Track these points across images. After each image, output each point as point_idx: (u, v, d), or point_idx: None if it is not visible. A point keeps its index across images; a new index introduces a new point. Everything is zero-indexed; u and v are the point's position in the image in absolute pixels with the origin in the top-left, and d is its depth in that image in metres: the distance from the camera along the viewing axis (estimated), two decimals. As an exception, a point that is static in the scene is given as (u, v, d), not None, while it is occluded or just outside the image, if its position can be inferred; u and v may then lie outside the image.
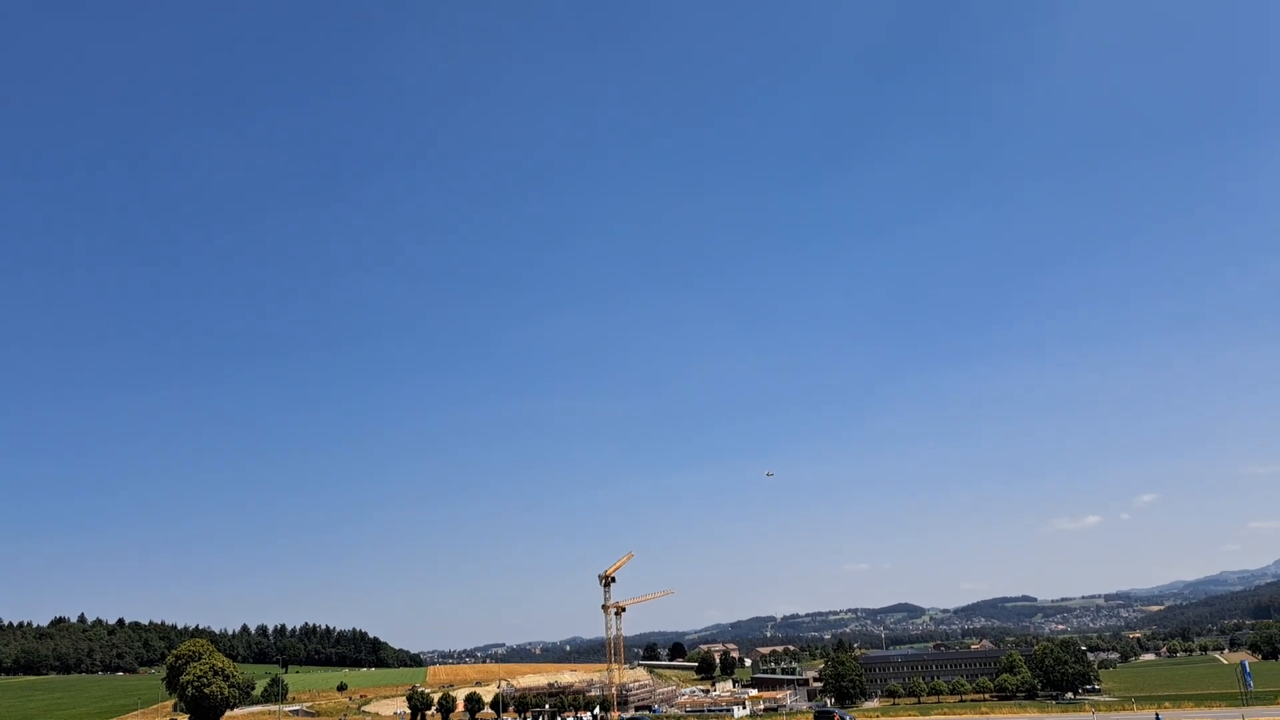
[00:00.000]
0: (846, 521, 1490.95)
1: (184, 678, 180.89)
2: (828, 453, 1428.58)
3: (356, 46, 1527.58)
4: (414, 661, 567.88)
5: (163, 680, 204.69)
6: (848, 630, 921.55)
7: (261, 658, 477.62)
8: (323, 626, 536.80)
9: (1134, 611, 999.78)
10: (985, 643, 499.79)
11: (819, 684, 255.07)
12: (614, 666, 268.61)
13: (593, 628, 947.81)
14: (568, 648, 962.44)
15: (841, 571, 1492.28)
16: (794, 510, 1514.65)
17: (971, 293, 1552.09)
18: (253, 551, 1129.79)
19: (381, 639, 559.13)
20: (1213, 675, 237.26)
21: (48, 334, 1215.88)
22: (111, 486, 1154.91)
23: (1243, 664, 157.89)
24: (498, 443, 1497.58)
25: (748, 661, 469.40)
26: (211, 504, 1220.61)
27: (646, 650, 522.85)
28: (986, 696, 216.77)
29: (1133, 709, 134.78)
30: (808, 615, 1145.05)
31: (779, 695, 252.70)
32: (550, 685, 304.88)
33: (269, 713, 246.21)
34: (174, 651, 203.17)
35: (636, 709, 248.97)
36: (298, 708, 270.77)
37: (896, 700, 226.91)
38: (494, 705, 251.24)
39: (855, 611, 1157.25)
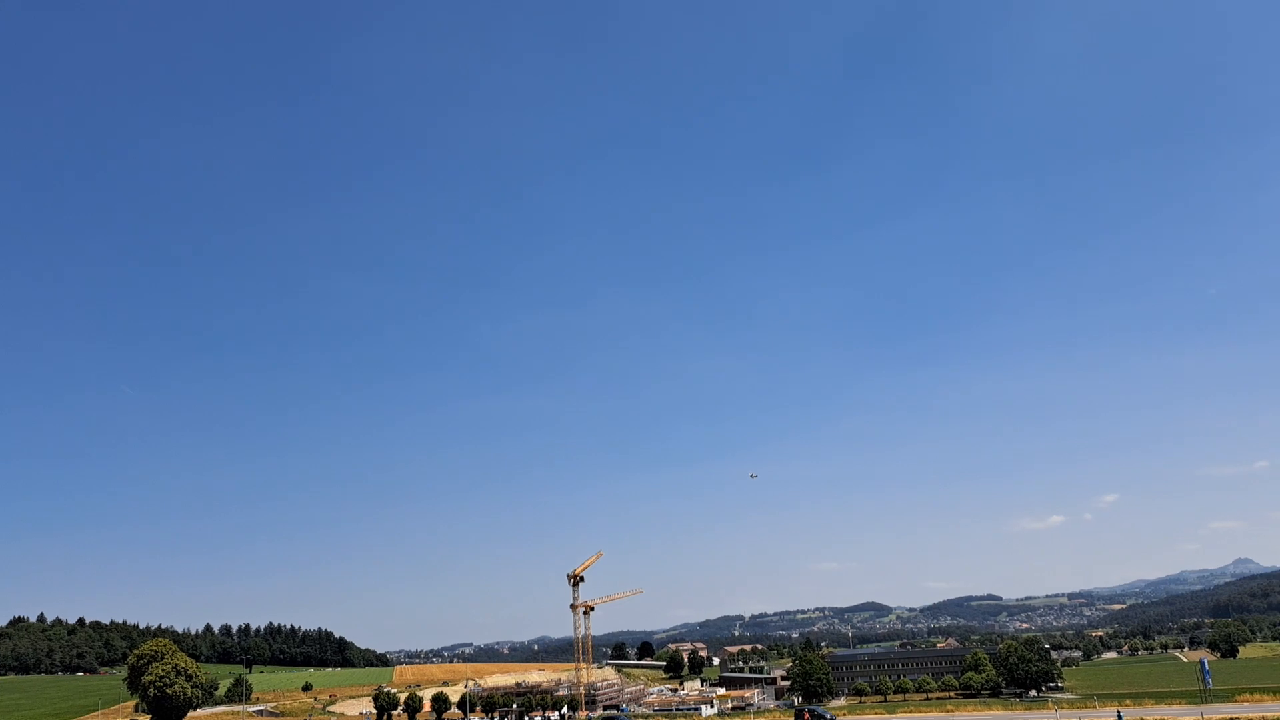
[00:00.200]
0: (815, 521, 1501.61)
1: (146, 678, 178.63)
2: (796, 452, 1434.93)
3: (332, 47, 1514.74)
4: (380, 661, 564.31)
5: (124, 680, 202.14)
6: (815, 629, 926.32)
7: (225, 658, 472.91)
8: (288, 626, 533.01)
9: (1096, 610, 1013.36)
10: (951, 641, 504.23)
11: (787, 683, 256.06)
12: (582, 666, 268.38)
13: (561, 627, 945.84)
14: (536, 647, 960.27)
15: (809, 571, 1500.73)
16: (763, 510, 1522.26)
17: (939, 294, 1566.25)
18: (217, 551, 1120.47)
19: (348, 639, 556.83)
20: (1173, 673, 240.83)
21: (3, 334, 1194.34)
22: (72, 485, 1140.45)
23: (1202, 662, 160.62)
24: (466, 442, 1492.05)
25: (716, 661, 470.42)
26: (175, 504, 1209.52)
27: (615, 649, 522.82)
28: (952, 694, 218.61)
29: (1095, 706, 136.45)
30: (776, 614, 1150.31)
31: (747, 694, 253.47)
32: (518, 685, 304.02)
33: (232, 713, 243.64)
34: (136, 651, 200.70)
35: (605, 708, 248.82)
36: (262, 708, 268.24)
37: (863, 699, 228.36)
38: (461, 705, 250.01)
39: (823, 610, 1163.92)
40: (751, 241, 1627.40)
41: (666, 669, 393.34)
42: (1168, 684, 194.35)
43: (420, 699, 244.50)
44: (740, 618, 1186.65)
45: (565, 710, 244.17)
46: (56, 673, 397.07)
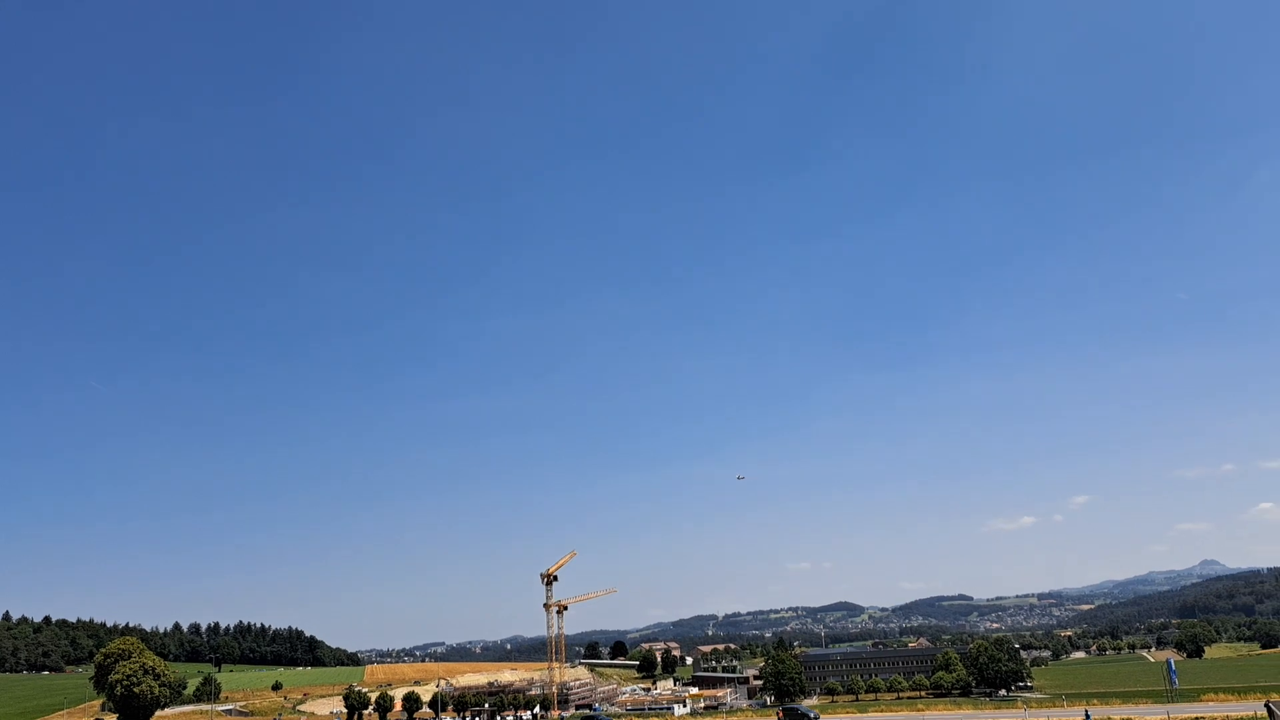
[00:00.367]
0: (788, 521, 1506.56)
1: (113, 676, 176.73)
2: (771, 453, 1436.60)
3: (309, 46, 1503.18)
4: (351, 661, 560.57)
5: (91, 679, 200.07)
6: (788, 629, 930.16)
7: (194, 656, 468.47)
8: (258, 625, 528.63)
9: (1065, 610, 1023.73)
10: (922, 641, 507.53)
11: (759, 682, 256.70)
12: (555, 665, 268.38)
13: (534, 626, 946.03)
14: (508, 646, 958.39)
15: (783, 570, 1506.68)
16: (737, 510, 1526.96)
17: (910, 295, 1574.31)
18: (186, 549, 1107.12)
19: (318, 638, 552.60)
20: (1140, 673, 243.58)
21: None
22: (38, 482, 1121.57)
23: (1168, 662, 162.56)
24: (440, 442, 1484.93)
25: (689, 660, 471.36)
26: (143, 501, 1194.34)
27: (588, 649, 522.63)
28: (923, 694, 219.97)
29: (1063, 706, 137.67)
30: (749, 614, 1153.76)
31: (719, 693, 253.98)
32: (490, 684, 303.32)
33: (201, 712, 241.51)
34: (103, 650, 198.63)
35: (577, 707, 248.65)
36: (230, 707, 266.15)
37: (835, 698, 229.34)
38: (433, 705, 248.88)
39: (796, 610, 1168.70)
40: (726, 242, 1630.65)
41: (640, 668, 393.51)
42: (1134, 684, 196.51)
43: (391, 698, 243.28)
44: (714, 617, 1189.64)
45: (537, 710, 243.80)
46: (22, 671, 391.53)
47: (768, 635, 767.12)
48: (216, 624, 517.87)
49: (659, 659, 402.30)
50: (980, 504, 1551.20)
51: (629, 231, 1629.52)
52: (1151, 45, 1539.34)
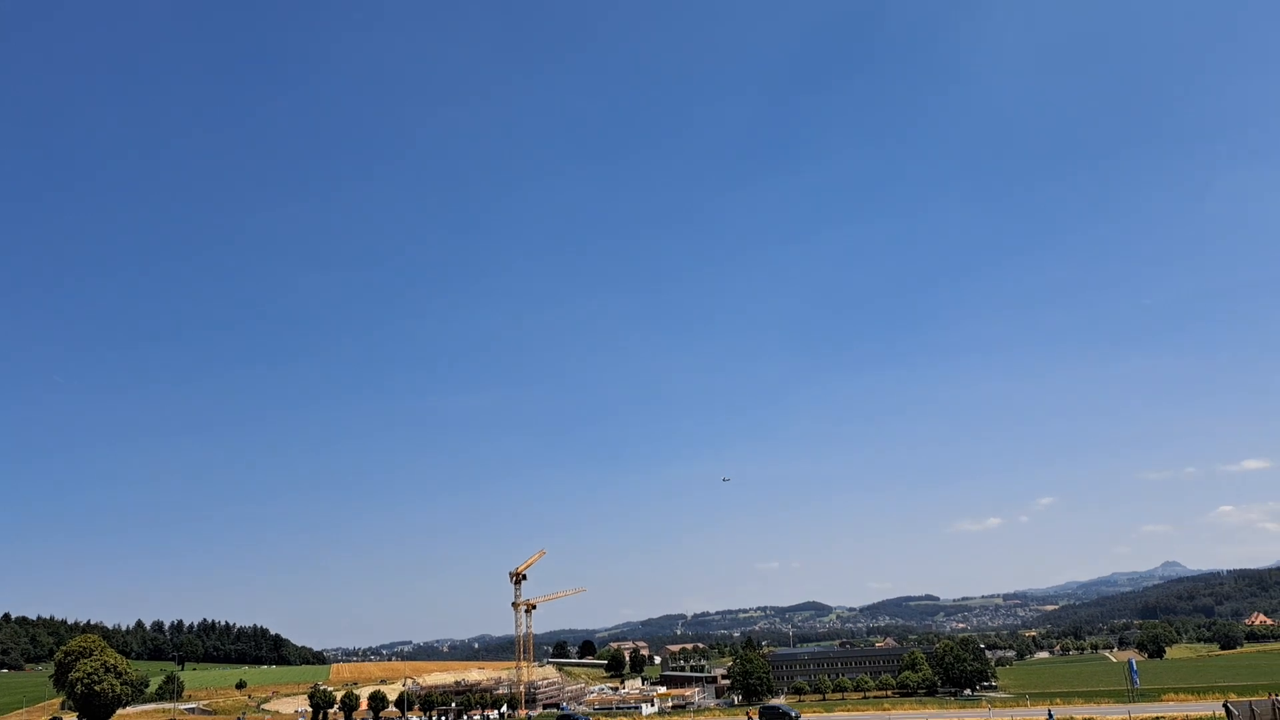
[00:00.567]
0: (758, 521, 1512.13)
1: (73, 675, 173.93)
2: (742, 454, 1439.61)
3: (306, 47, 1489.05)
4: (317, 659, 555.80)
5: (50, 677, 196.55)
6: (757, 628, 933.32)
7: (157, 654, 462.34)
8: (222, 623, 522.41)
9: (1030, 611, 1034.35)
10: (889, 641, 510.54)
11: (727, 682, 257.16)
12: (523, 664, 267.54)
13: (502, 625, 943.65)
14: (476, 645, 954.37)
15: (752, 570, 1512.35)
16: (707, 510, 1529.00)
17: (879, 300, 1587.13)
18: (149, 546, 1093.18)
19: (284, 636, 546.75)
20: (1102, 673, 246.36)
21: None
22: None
23: (1130, 662, 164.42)
24: (408, 439, 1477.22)
25: (658, 659, 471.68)
26: (104, 496, 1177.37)
27: (556, 648, 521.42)
28: (889, 693, 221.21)
29: (1027, 705, 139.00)
30: (718, 613, 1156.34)
31: (687, 693, 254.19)
32: (457, 683, 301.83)
33: (163, 711, 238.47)
34: (63, 648, 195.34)
35: (545, 707, 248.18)
36: (193, 706, 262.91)
37: (802, 698, 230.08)
38: (399, 704, 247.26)
39: (764, 610, 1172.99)
40: (706, 244, 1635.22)
41: (608, 668, 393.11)
42: (1097, 683, 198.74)
43: (357, 697, 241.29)
44: (683, 617, 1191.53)
45: (505, 709, 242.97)
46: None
47: (736, 635, 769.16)
48: (180, 622, 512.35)
49: (627, 658, 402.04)
50: (947, 505, 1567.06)
51: (606, 233, 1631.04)
52: (1121, 54, 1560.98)
